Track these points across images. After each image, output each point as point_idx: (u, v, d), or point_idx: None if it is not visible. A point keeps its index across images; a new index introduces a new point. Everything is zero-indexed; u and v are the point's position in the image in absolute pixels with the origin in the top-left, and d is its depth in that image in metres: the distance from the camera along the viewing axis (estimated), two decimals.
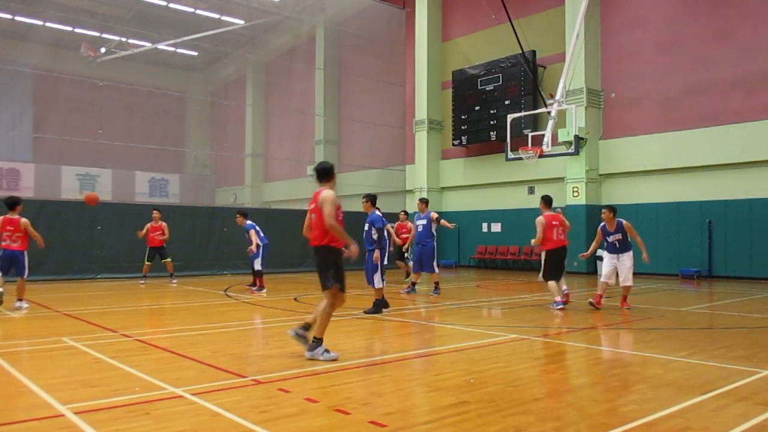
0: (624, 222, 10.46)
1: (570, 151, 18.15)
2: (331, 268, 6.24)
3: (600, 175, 20.13)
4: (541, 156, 17.64)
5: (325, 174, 6.53)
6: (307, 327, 6.27)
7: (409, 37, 26.01)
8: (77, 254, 17.25)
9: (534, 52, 21.14)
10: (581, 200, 19.77)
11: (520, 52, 20.34)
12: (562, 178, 20.43)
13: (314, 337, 6.15)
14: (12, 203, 10.33)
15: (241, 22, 27.02)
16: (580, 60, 19.32)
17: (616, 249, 10.47)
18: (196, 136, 34.15)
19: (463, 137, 23.52)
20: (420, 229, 12.95)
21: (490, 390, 4.99)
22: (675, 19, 18.52)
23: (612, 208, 10.65)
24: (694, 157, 17.88)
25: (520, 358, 6.61)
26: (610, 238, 10.48)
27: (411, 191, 25.35)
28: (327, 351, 6.12)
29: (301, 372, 5.60)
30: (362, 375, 5.62)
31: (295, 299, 12.16)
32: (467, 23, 24.58)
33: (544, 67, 21.49)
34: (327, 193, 6.27)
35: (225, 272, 19.45)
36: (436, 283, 12.91)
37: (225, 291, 13.99)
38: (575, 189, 19.95)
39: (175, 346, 6.87)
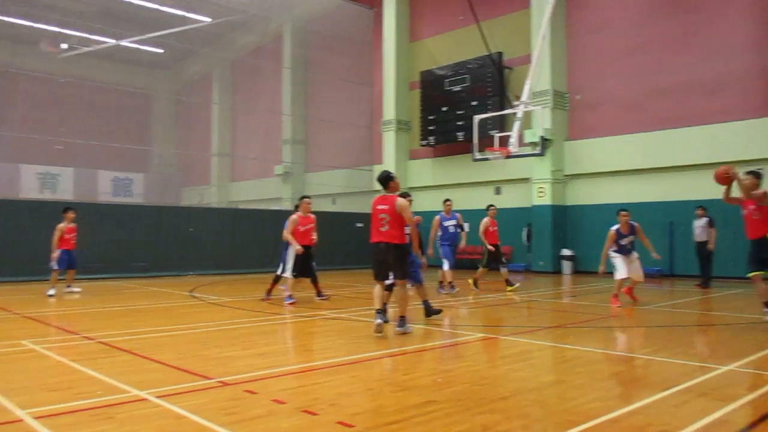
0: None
1: (536, 152, 18.36)
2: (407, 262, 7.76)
3: (565, 175, 20.42)
4: (508, 157, 17.79)
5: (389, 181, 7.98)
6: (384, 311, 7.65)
7: (377, 37, 26.03)
8: (38, 255, 16.74)
9: (501, 53, 21.33)
10: (547, 200, 20.04)
11: (487, 53, 20.53)
12: (529, 179, 20.68)
13: (401, 316, 7.63)
14: (62, 210, 13.27)
15: (208, 19, 26.70)
16: (546, 62, 19.57)
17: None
18: (161, 134, 33.65)
19: (430, 137, 23.62)
20: (452, 230, 13.35)
21: (457, 389, 5.02)
22: (638, 23, 18.89)
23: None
24: (656, 159, 18.26)
25: (487, 357, 6.66)
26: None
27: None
28: (409, 325, 7.82)
29: (268, 373, 5.56)
30: (330, 375, 5.60)
31: (262, 300, 12.05)
32: (435, 24, 24.70)
33: (511, 69, 21.71)
34: (403, 200, 7.76)
35: (191, 273, 19.20)
36: (449, 282, 13.30)
37: (191, 292, 13.81)
38: (541, 189, 20.21)
39: (139, 348, 6.76)
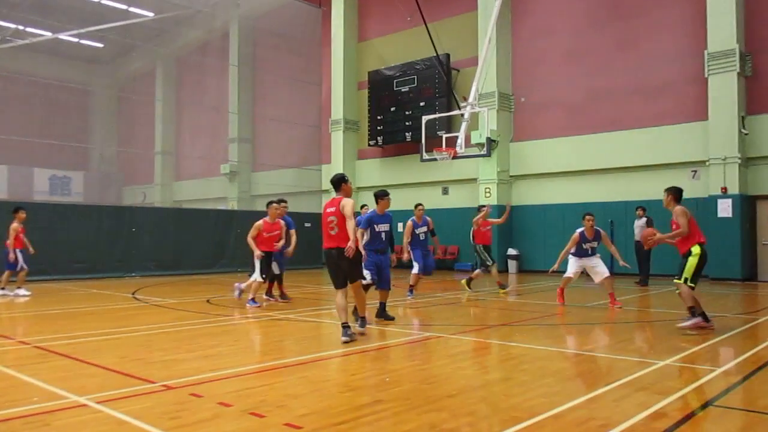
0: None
1: (482, 152, 18.64)
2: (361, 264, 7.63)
3: (511, 176, 20.80)
4: (455, 157, 18.00)
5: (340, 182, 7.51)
6: (347, 326, 7.28)
7: (325, 37, 25.91)
8: None
9: (448, 55, 21.57)
10: (493, 200, 20.35)
11: (435, 54, 20.73)
12: (475, 179, 20.97)
13: (362, 317, 7.73)
14: (12, 210, 13.48)
15: (150, 14, 26.01)
16: (492, 64, 19.88)
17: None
18: (102, 131, 32.56)
19: (378, 138, 23.68)
20: (422, 237, 12.56)
21: (405, 388, 5.04)
22: (580, 29, 19.41)
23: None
24: (597, 160, 18.81)
25: (434, 355, 6.72)
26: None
27: (327, 191, 25.25)
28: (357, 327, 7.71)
29: (214, 376, 5.46)
30: (278, 377, 5.54)
31: (207, 301, 11.85)
32: (383, 24, 24.77)
33: (458, 71, 21.97)
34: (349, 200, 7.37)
35: (133, 274, 18.70)
36: (411, 286, 12.69)
37: (133, 294, 13.45)
38: (487, 189, 20.52)
39: (78, 353, 6.53)
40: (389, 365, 6.06)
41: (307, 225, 22.37)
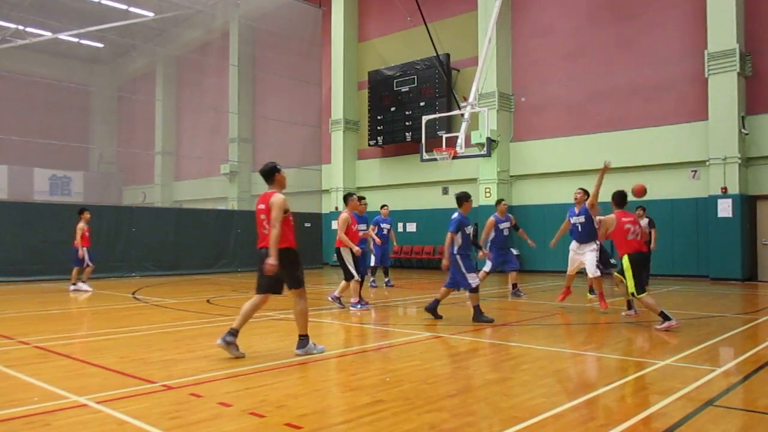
0: None
1: (482, 152, 18.64)
2: (300, 268, 6.46)
3: (511, 176, 20.80)
4: (455, 157, 18.00)
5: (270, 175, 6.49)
6: (234, 333, 6.21)
7: (325, 36, 25.93)
8: None
9: (448, 55, 21.58)
10: (493, 201, 20.31)
11: (435, 54, 20.74)
12: (475, 179, 20.96)
13: (301, 335, 6.46)
14: (78, 211, 14.48)
15: (150, 14, 26.01)
16: (492, 64, 19.88)
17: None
18: (102, 131, 32.57)
19: (378, 137, 23.68)
20: (506, 233, 12.40)
21: (405, 388, 5.04)
22: (580, 28, 19.42)
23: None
24: (598, 160, 18.67)
25: (435, 355, 6.72)
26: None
27: (327, 191, 25.27)
28: (315, 344, 6.54)
29: (213, 376, 5.46)
30: (277, 377, 5.54)
31: (207, 301, 11.85)
32: (383, 24, 24.77)
33: (458, 70, 21.97)
34: (277, 196, 6.32)
35: (133, 274, 18.70)
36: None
37: (133, 294, 13.45)
38: (487, 189, 20.51)
39: (78, 353, 6.54)
40: (389, 365, 6.06)
41: (307, 225, 22.40)
